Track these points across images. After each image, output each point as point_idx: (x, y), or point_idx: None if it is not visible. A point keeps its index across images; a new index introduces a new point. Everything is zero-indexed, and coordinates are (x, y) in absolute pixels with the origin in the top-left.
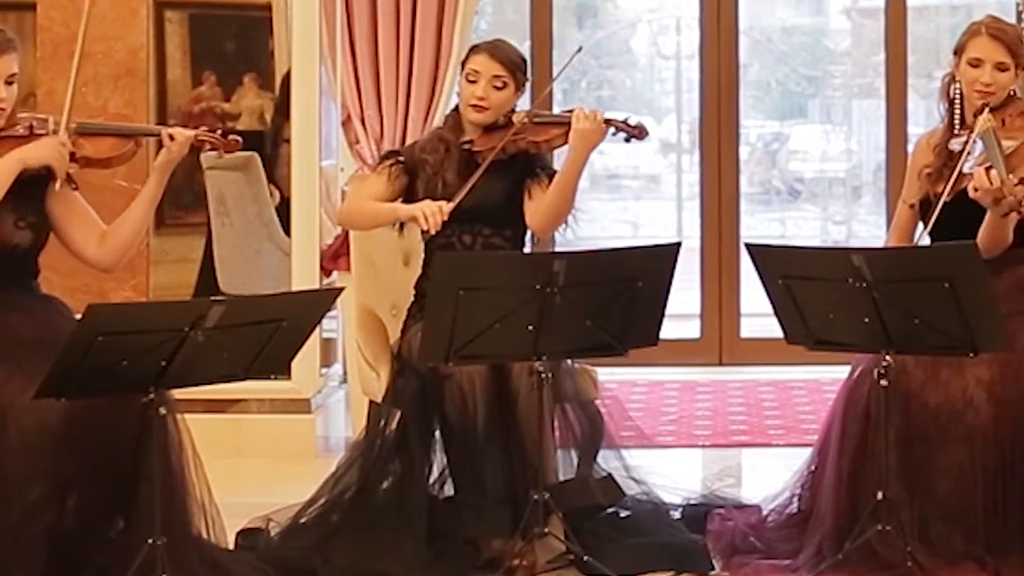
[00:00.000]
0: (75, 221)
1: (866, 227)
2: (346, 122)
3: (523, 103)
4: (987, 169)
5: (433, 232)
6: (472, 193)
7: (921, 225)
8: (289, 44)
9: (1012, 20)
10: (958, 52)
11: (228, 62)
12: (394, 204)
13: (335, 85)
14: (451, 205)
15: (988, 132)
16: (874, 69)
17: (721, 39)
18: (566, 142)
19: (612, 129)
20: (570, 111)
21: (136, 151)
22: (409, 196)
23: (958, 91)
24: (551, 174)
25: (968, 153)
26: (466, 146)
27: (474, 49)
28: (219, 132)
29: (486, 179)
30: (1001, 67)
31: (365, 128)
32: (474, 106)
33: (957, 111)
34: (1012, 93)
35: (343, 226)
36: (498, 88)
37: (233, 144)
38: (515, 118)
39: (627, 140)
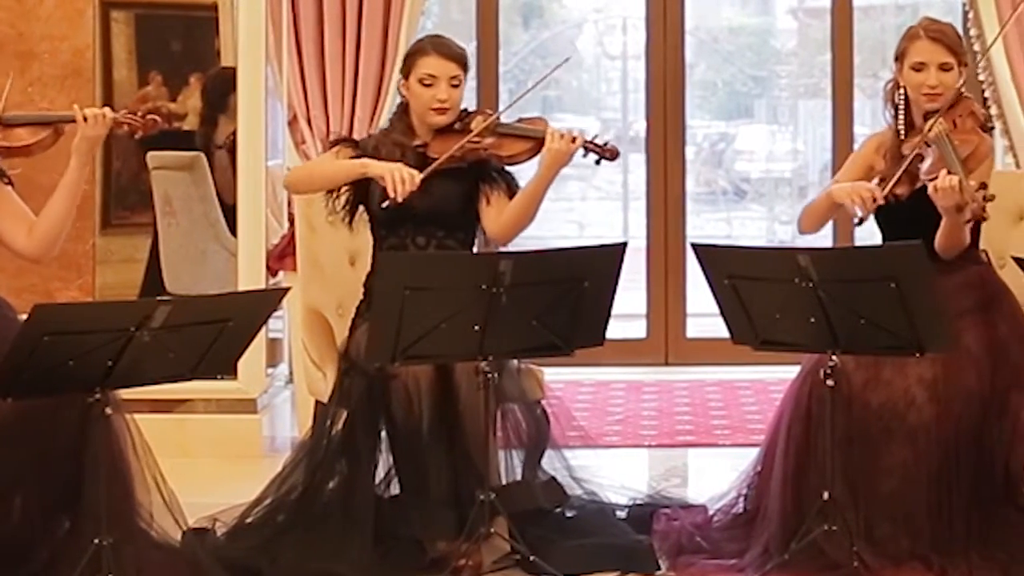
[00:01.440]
0: (4, 213)
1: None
2: (292, 122)
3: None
4: (948, 172)
5: (400, 200)
6: (427, 196)
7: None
8: (235, 44)
9: (958, 19)
10: (899, 58)
11: (174, 62)
12: (360, 160)
13: (281, 85)
14: (421, 176)
15: (941, 136)
16: (820, 69)
17: (667, 39)
18: (532, 158)
19: (583, 150)
20: (533, 120)
21: (57, 138)
22: (360, 197)
23: (903, 96)
24: (508, 179)
25: (922, 157)
26: (420, 149)
27: (421, 51)
28: (139, 113)
29: (442, 182)
30: (945, 67)
31: (311, 128)
32: (436, 109)
33: (902, 117)
34: (960, 91)
35: (289, 187)
36: (455, 87)
37: (151, 123)
38: (473, 124)
39: (597, 162)
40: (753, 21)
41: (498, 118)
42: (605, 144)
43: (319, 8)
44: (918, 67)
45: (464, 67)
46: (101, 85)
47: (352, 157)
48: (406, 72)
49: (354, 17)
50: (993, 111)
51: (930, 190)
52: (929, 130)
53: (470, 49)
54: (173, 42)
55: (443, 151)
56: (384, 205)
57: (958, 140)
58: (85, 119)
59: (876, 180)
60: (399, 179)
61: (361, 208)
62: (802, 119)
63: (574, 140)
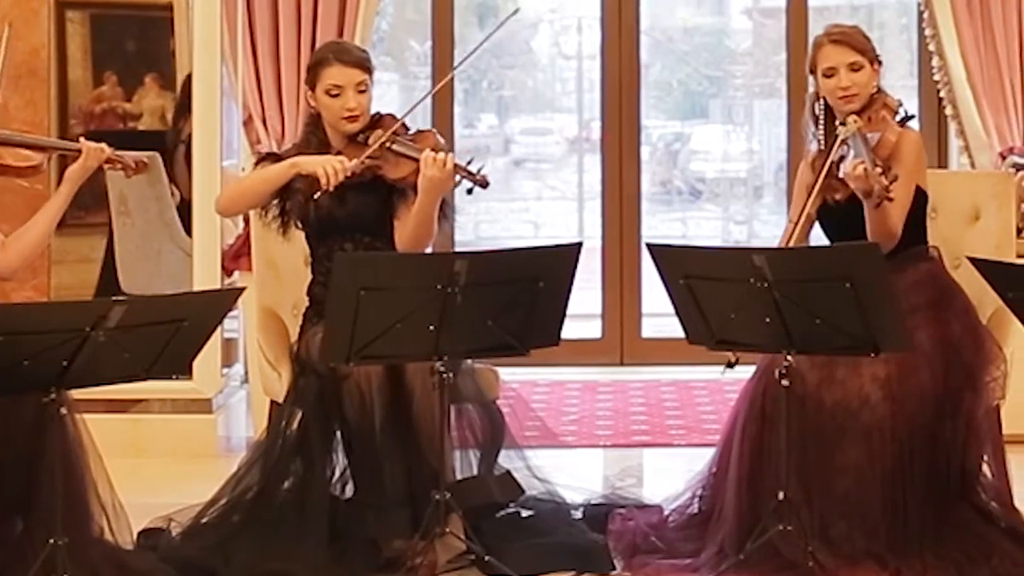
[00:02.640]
0: None
1: (767, 227)
2: (247, 122)
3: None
4: (864, 168)
5: (330, 189)
6: (344, 206)
7: (822, 233)
8: (190, 44)
9: (913, 19)
10: (813, 70)
11: (129, 62)
12: (290, 161)
13: (236, 86)
14: (351, 164)
15: (853, 133)
16: (775, 69)
17: (622, 39)
18: (418, 179)
19: (457, 176)
20: (425, 136)
21: (45, 163)
22: (289, 205)
23: (823, 107)
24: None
25: (843, 157)
26: None
27: (324, 62)
28: (128, 159)
29: (356, 193)
30: (854, 67)
31: (266, 128)
32: (348, 118)
33: (822, 127)
34: (877, 89)
35: (224, 212)
36: (362, 92)
37: (142, 167)
38: (372, 138)
39: (469, 191)
40: (708, 21)
41: (398, 126)
42: (478, 171)
43: (274, 8)
44: (829, 72)
45: (369, 71)
46: (56, 85)
47: None
48: (311, 83)
49: (309, 17)
50: (948, 112)
51: (845, 178)
52: (843, 131)
53: (425, 49)
54: (128, 42)
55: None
56: (316, 196)
57: (869, 133)
58: (81, 151)
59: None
60: (330, 171)
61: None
62: (757, 119)
63: (446, 164)
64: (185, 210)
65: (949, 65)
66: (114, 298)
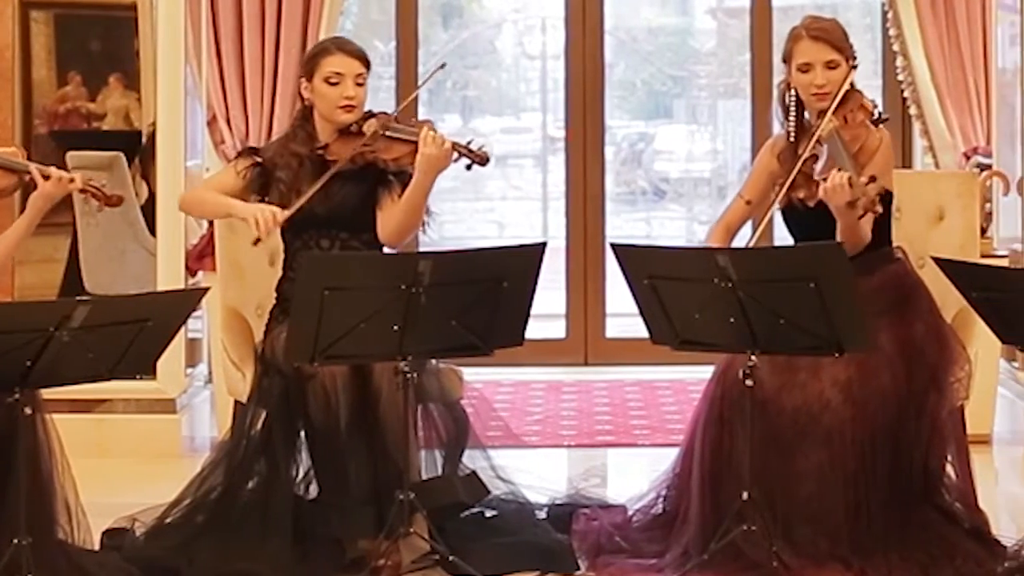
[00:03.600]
0: None
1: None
2: (211, 122)
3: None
4: (839, 170)
5: (264, 238)
6: (327, 199)
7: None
8: (155, 44)
9: (877, 19)
10: (787, 60)
11: (93, 62)
12: (231, 201)
13: (200, 85)
14: (285, 214)
15: (831, 134)
16: (739, 69)
17: (586, 39)
18: (413, 161)
19: (455, 154)
20: (422, 123)
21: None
22: (265, 196)
23: (794, 98)
24: (406, 182)
25: (816, 157)
26: (320, 151)
27: (325, 51)
28: (104, 187)
29: (341, 185)
30: (831, 65)
31: (230, 128)
32: (344, 107)
33: (792, 118)
34: (851, 86)
35: (184, 211)
36: (360, 85)
37: (115, 201)
38: (366, 127)
39: (468, 167)
40: (672, 21)
41: (391, 120)
42: (478, 148)
43: (238, 8)
44: (804, 68)
45: (367, 66)
46: (20, 85)
47: (252, 166)
48: (309, 73)
49: (273, 17)
50: (912, 111)
51: (821, 192)
52: (820, 129)
53: (389, 49)
54: (92, 42)
55: (342, 153)
56: (254, 243)
57: (848, 136)
58: (47, 178)
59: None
60: (261, 220)
61: None
62: (721, 119)
63: (444, 143)
64: (149, 210)
65: (913, 65)
66: (78, 298)
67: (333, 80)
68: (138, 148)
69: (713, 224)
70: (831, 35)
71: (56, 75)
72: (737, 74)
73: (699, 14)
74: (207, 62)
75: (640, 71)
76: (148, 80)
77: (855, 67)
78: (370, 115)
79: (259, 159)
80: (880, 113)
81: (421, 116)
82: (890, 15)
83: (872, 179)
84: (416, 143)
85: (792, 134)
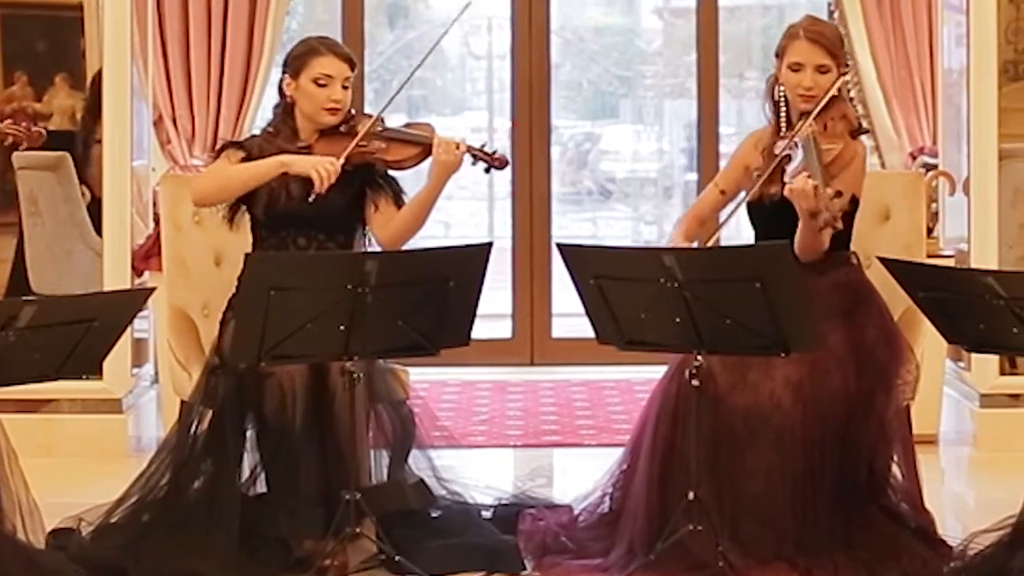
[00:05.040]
0: None
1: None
2: (157, 122)
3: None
4: (808, 176)
5: (323, 191)
6: (315, 200)
7: (751, 228)
8: (101, 44)
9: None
10: (779, 55)
11: (39, 62)
12: (279, 157)
13: (146, 85)
14: (340, 161)
15: (808, 139)
16: (686, 69)
17: (532, 39)
18: (418, 164)
19: (472, 158)
20: (419, 125)
21: None
22: (247, 201)
23: (783, 94)
24: (394, 185)
25: (790, 158)
26: (304, 151)
27: (315, 51)
28: (24, 125)
29: (331, 187)
30: (822, 69)
31: (176, 128)
32: (330, 109)
33: (783, 113)
34: (837, 92)
35: (201, 202)
36: (346, 88)
37: (36, 136)
38: (358, 126)
39: (486, 171)
40: (618, 21)
41: (382, 120)
42: (493, 153)
43: (184, 8)
44: (795, 67)
45: (354, 69)
46: None
47: (242, 159)
48: (295, 72)
49: (219, 17)
50: (859, 111)
51: (786, 191)
52: (798, 131)
53: None
54: (38, 42)
55: (328, 153)
56: (312, 199)
57: (825, 144)
58: None
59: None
60: (323, 173)
61: (243, 208)
62: (667, 119)
63: (458, 148)
64: (95, 210)
65: (859, 65)
66: (24, 298)
67: (322, 81)
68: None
69: (683, 214)
70: (827, 40)
71: (2, 75)
72: (683, 74)
73: (645, 14)
74: (153, 62)
75: (586, 71)
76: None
77: (845, 75)
78: (351, 115)
79: (244, 150)
80: (860, 124)
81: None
82: (836, 15)
83: (838, 194)
84: (423, 146)
85: (782, 130)
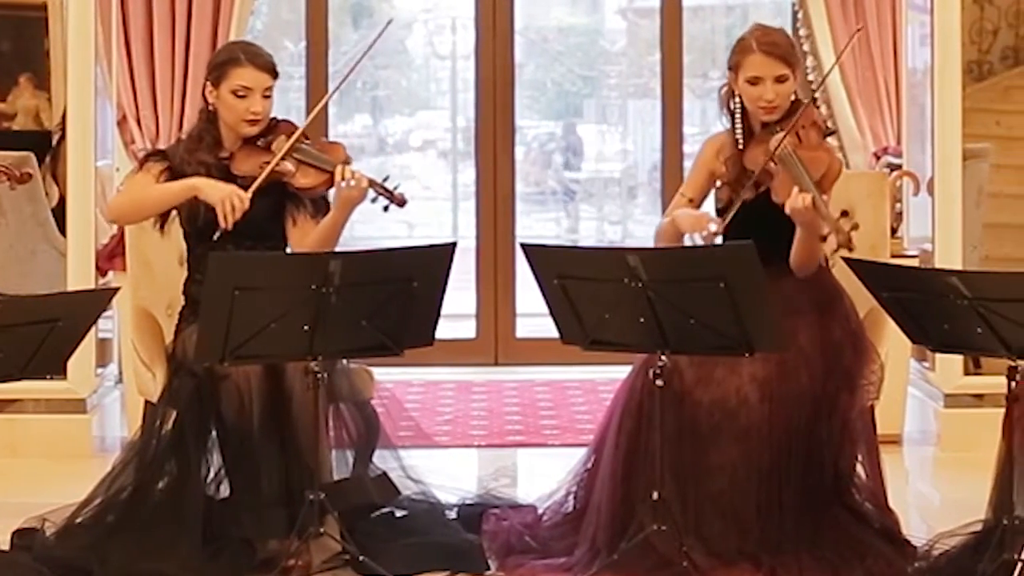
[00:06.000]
0: None
1: (642, 227)
2: (121, 122)
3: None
4: (800, 191)
5: (229, 228)
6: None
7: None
8: (65, 44)
9: (788, 19)
10: (733, 69)
11: (3, 62)
12: (191, 180)
13: (111, 85)
14: (248, 193)
15: (790, 156)
16: (650, 69)
17: (496, 39)
18: (326, 191)
19: (373, 194)
20: (333, 148)
21: None
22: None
23: (739, 105)
24: (314, 201)
25: (770, 174)
26: (224, 162)
27: (235, 61)
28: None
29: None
30: (780, 79)
31: (141, 128)
32: (250, 121)
33: (739, 125)
34: (795, 95)
35: (117, 221)
36: (267, 97)
37: (25, 178)
38: (275, 146)
39: (385, 209)
40: (582, 21)
41: (300, 138)
42: (395, 188)
43: (148, 8)
44: (754, 81)
45: (275, 76)
46: None
47: (164, 171)
48: (216, 80)
49: (183, 17)
50: (823, 111)
51: (787, 211)
52: (776, 148)
53: (299, 49)
54: (2, 42)
55: (246, 166)
56: (216, 236)
57: (807, 157)
58: None
59: (719, 186)
60: (229, 208)
61: (173, 214)
62: (631, 119)
63: (362, 183)
64: (59, 210)
65: (823, 65)
66: None
67: (241, 93)
68: (48, 148)
69: (659, 227)
70: (781, 49)
71: None
72: (647, 74)
73: (609, 14)
74: (117, 61)
75: (550, 71)
76: (59, 80)
77: (800, 75)
78: (276, 123)
79: (166, 160)
80: (828, 127)
81: (331, 116)
82: (800, 15)
83: (844, 214)
84: (330, 173)
85: (740, 142)
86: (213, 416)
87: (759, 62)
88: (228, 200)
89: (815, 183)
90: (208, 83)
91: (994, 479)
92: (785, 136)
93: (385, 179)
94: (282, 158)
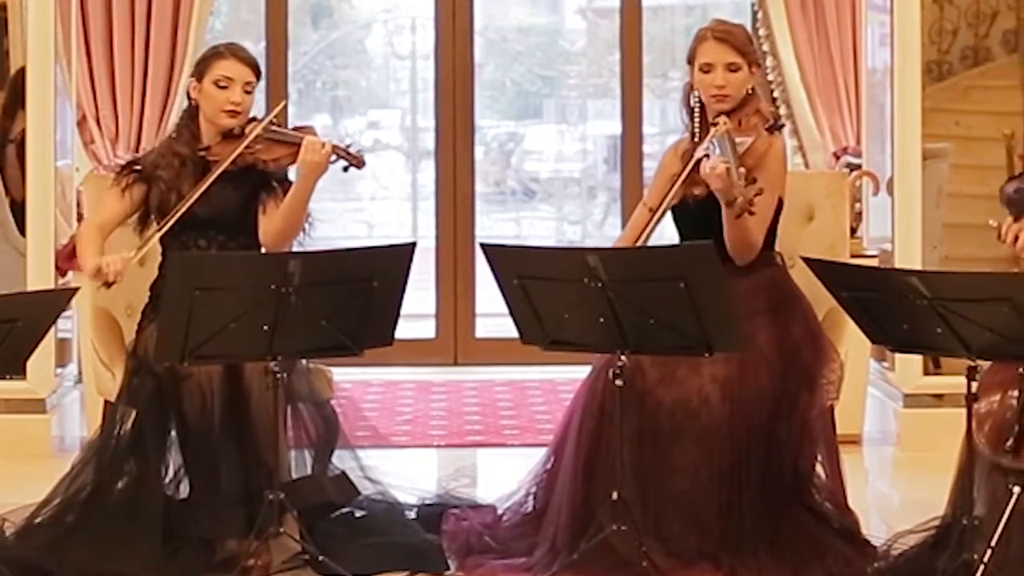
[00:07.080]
0: None
1: (601, 227)
2: (81, 122)
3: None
4: (726, 169)
5: (114, 280)
6: (207, 201)
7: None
8: (24, 43)
9: (748, 19)
10: (690, 61)
11: None
12: (87, 252)
13: (70, 85)
14: (137, 256)
15: (723, 136)
16: (609, 69)
17: (456, 39)
18: (294, 162)
19: (334, 156)
20: (303, 128)
21: None
22: (150, 210)
23: (698, 100)
24: (287, 188)
25: (708, 157)
26: (202, 153)
27: (218, 55)
28: None
29: (221, 188)
30: (732, 67)
31: (100, 128)
32: (229, 112)
33: (697, 119)
34: (751, 91)
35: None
36: (248, 92)
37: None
38: (248, 130)
39: (345, 169)
40: (542, 21)
41: (270, 123)
42: (358, 152)
43: (108, 8)
44: (706, 68)
45: (258, 74)
46: None
47: (132, 178)
48: (199, 75)
49: (143, 17)
50: (783, 111)
51: (701, 173)
52: (715, 131)
53: (259, 49)
54: None
55: (224, 154)
56: (106, 287)
57: (739, 138)
58: None
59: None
60: (112, 270)
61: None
62: (591, 119)
63: (324, 148)
64: (19, 207)
65: (783, 65)
66: None
67: (222, 84)
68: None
69: (619, 238)
70: (735, 38)
71: None
72: (607, 74)
73: (569, 14)
74: (77, 62)
75: (510, 71)
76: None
77: (756, 71)
78: (253, 120)
79: (138, 167)
80: (776, 119)
81: (291, 116)
82: (760, 15)
83: (753, 180)
84: (296, 144)
85: (696, 135)
86: (173, 415)
87: (711, 48)
88: (105, 263)
89: (738, 157)
90: (192, 80)
91: (955, 478)
92: (723, 118)
93: (348, 145)
94: (254, 139)
